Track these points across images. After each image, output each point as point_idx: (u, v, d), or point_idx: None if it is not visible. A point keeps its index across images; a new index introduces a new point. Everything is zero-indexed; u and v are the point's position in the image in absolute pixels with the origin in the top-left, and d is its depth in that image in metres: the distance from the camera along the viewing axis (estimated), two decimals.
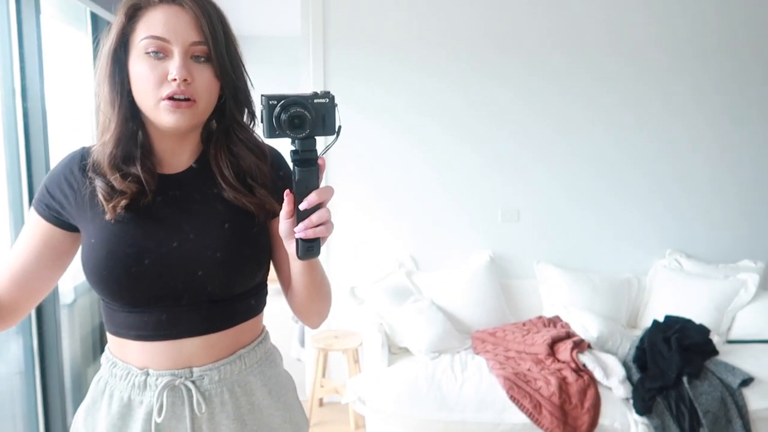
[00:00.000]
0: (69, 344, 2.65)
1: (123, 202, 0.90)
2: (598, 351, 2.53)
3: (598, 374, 2.33)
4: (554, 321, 2.79)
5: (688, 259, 3.14)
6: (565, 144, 3.14)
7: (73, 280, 2.79)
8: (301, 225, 0.82)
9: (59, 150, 2.29)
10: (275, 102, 0.80)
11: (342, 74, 3.01)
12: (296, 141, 0.82)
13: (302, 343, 3.23)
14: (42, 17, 2.14)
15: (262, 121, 0.82)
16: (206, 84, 0.90)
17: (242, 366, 0.98)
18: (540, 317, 2.84)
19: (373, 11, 3.00)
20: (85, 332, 2.83)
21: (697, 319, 2.61)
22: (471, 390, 2.28)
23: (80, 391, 2.69)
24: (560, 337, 2.53)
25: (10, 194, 2.11)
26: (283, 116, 0.80)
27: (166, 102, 0.87)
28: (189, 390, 0.94)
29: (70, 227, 0.97)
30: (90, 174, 0.93)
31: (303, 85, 3.05)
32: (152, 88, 0.87)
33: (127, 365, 0.95)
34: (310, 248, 0.84)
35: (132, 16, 0.89)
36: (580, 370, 2.35)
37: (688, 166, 3.19)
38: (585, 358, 2.39)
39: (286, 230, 0.85)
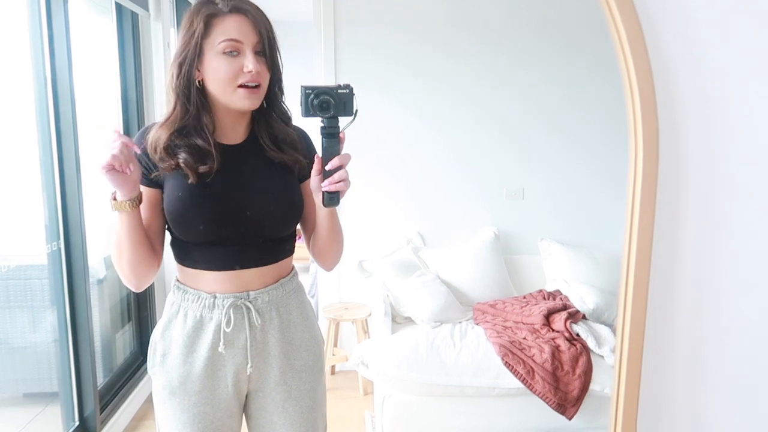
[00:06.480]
0: (99, 313, 2.87)
1: (202, 169, 1.16)
2: (594, 322, 2.63)
3: (590, 343, 2.44)
4: (554, 294, 2.90)
5: None
6: (569, 124, 3.21)
7: (102, 253, 3.00)
8: (327, 180, 1.11)
9: (86, 133, 2.47)
10: (310, 91, 1.10)
11: (351, 54, 3.13)
12: (324, 119, 1.12)
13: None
14: (69, 4, 2.27)
15: (300, 104, 1.10)
16: (265, 73, 1.17)
17: (283, 292, 1.28)
18: (540, 291, 2.95)
19: None
20: (114, 302, 3.05)
21: None
22: (468, 356, 2.41)
23: (110, 353, 2.91)
24: (557, 308, 2.64)
25: (43, 178, 2.29)
26: (315, 101, 1.10)
27: (242, 89, 1.14)
28: (248, 308, 1.23)
29: (159, 185, 1.22)
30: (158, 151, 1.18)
31: (315, 66, 3.18)
32: (230, 79, 1.14)
33: (197, 291, 1.23)
34: (332, 198, 1.15)
35: (207, 24, 1.13)
36: (574, 339, 2.47)
37: None
38: (578, 328, 2.50)
39: (316, 185, 1.15)
